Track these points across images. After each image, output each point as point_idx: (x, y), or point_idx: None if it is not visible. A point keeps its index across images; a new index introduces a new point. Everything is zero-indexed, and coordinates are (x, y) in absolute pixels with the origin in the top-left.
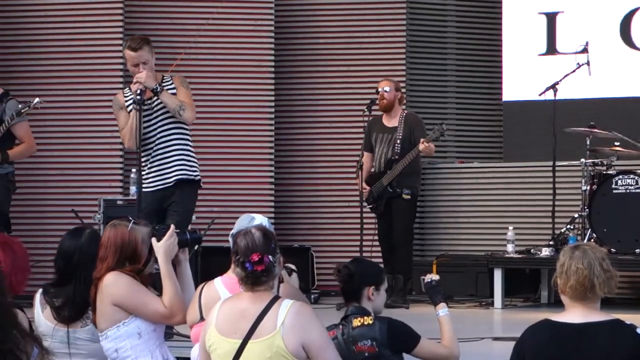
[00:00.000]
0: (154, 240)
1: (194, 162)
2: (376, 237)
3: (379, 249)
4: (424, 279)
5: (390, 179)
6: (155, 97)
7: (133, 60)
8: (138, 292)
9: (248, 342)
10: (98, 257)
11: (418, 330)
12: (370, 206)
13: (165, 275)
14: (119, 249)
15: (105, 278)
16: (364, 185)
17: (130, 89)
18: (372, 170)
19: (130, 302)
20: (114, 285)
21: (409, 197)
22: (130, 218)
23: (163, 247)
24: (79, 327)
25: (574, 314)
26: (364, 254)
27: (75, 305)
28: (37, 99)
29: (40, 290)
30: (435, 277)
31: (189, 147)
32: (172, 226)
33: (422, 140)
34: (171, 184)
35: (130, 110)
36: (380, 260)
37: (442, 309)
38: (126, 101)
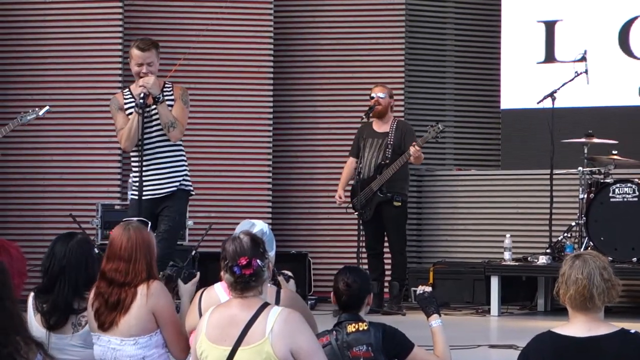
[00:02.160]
0: (180, 282)
1: (186, 173)
2: (362, 244)
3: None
4: (415, 290)
5: (379, 184)
6: (154, 105)
7: (138, 60)
8: (175, 312)
9: (238, 349)
10: (119, 257)
11: (413, 338)
12: (357, 212)
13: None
14: (147, 252)
15: (153, 285)
16: (341, 194)
17: (129, 89)
18: (360, 175)
19: (168, 317)
20: (162, 295)
21: (399, 203)
22: (148, 221)
23: (189, 290)
24: (70, 333)
25: (577, 327)
26: (361, 261)
27: (59, 311)
28: (46, 108)
29: (32, 294)
30: (427, 288)
31: (182, 158)
32: (198, 274)
33: (414, 143)
34: (162, 195)
35: (130, 113)
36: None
37: (435, 320)
38: (126, 102)
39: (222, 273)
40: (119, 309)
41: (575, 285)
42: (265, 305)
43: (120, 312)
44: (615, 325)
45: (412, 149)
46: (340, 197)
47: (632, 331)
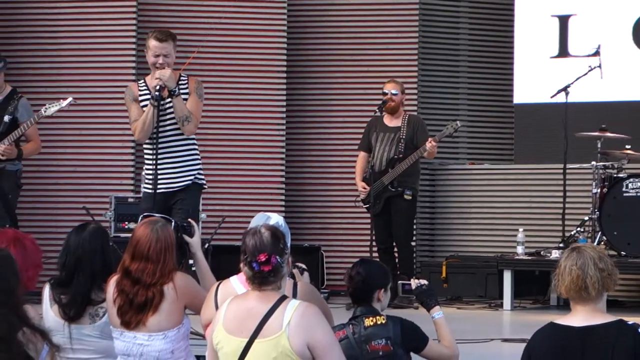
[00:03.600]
0: (186, 237)
1: (199, 166)
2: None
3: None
4: (402, 284)
5: (391, 178)
6: (169, 98)
7: (156, 50)
8: (201, 290)
9: (254, 341)
10: (147, 257)
11: (426, 331)
12: (367, 205)
13: (206, 267)
14: (173, 252)
15: (177, 278)
16: (364, 185)
17: (145, 80)
18: (372, 168)
19: (201, 301)
20: (189, 286)
21: (410, 197)
22: (169, 218)
23: (197, 241)
24: (88, 324)
25: (576, 317)
26: (374, 254)
27: (77, 303)
28: (70, 99)
29: (48, 285)
30: (423, 281)
31: (195, 152)
32: (191, 221)
33: (430, 139)
34: (176, 189)
35: (145, 105)
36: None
37: (437, 312)
38: (141, 94)
39: (241, 265)
40: (147, 309)
41: (570, 277)
42: (283, 298)
43: (147, 312)
44: (613, 316)
45: (428, 145)
46: (364, 188)
47: (630, 322)
